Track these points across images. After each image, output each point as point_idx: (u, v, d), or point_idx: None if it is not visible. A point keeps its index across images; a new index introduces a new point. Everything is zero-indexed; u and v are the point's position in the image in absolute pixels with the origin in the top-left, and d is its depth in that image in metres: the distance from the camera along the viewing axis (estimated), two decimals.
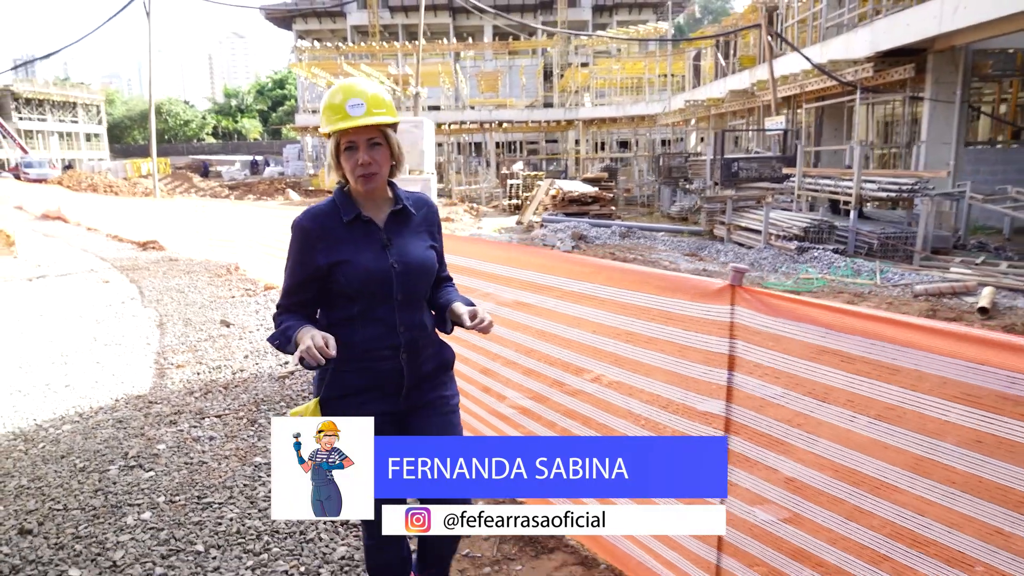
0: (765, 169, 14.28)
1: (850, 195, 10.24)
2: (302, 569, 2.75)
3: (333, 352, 1.74)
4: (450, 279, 2.20)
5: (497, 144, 43.43)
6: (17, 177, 33.89)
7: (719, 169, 13.93)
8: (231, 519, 3.15)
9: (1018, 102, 17.89)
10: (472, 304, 2.02)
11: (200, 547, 2.93)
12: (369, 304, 1.92)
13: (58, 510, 3.27)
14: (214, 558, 2.85)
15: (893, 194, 10.08)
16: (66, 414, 4.62)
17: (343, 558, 2.84)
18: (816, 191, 11.87)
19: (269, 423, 4.39)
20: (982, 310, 6.45)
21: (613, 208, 16.24)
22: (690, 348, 2.26)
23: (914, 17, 13.68)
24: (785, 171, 13.53)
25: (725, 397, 2.15)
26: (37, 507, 3.30)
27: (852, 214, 10.26)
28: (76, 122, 66.34)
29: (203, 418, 4.49)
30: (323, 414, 1.85)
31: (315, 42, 51.56)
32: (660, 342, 2.37)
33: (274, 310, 1.99)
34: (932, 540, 1.66)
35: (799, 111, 19.05)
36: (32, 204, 22.17)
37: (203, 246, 12.22)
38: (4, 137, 51.26)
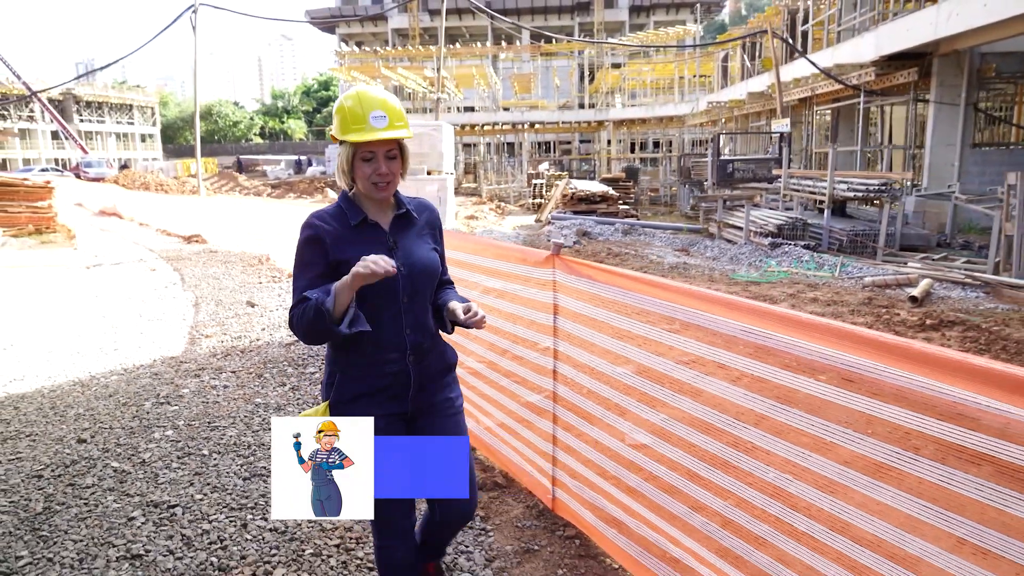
0: (761, 170, 14.92)
1: (825, 195, 10.90)
2: None
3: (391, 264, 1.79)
4: (451, 282, 2.26)
5: (538, 144, 44.45)
6: (78, 176, 36.09)
7: (715, 170, 14.64)
8: (230, 436, 4.19)
9: None
10: (467, 301, 2.07)
11: (206, 452, 3.96)
12: (376, 306, 1.93)
13: (105, 428, 4.34)
14: (215, 459, 3.88)
15: (860, 194, 10.71)
16: (114, 369, 5.73)
17: None
18: (799, 191, 12.54)
19: (273, 378, 5.43)
20: (912, 299, 7.14)
21: (625, 206, 17.01)
22: (536, 301, 3.17)
23: (914, 23, 14.19)
24: (775, 172, 14.18)
25: (552, 334, 3.06)
26: (89, 426, 4.38)
27: (826, 212, 10.92)
28: (132, 123, 69.55)
29: (221, 372, 5.55)
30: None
31: (356, 46, 53.12)
32: (521, 298, 3.29)
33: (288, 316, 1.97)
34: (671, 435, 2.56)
35: (810, 112, 19.50)
36: (90, 201, 23.94)
37: (240, 239, 13.45)
38: (66, 138, 54.17)
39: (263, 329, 7.01)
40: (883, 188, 10.37)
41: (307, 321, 1.82)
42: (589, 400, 2.94)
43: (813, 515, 1.97)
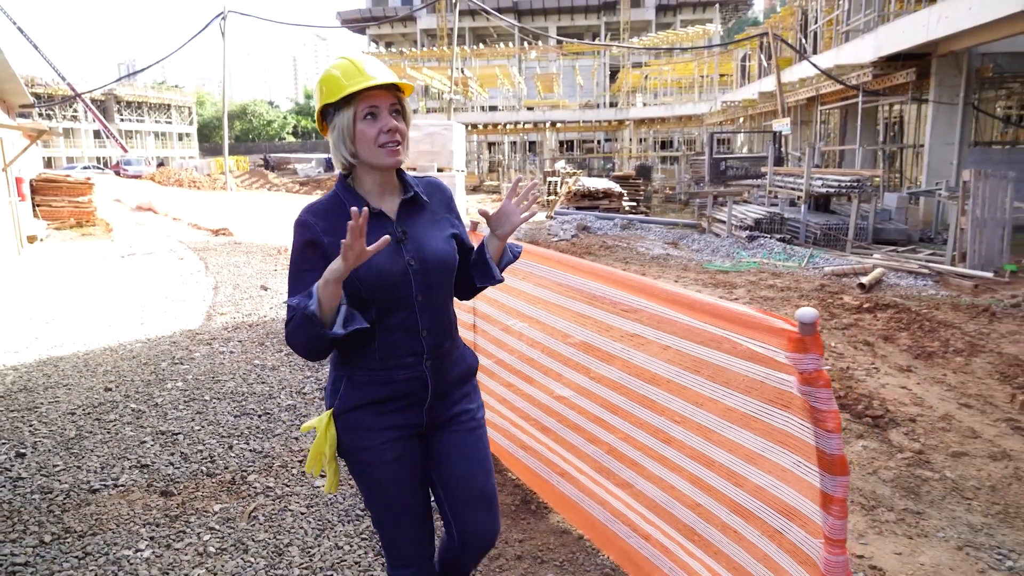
0: (754, 168, 15.46)
1: (802, 191, 11.46)
2: (261, 408, 4.58)
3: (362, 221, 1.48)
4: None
5: (559, 143, 45.12)
6: (117, 174, 37.70)
7: (710, 168, 15.22)
8: (229, 387, 5.03)
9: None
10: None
11: (207, 398, 4.80)
12: (386, 308, 1.70)
13: (127, 381, 5.21)
14: (214, 403, 4.71)
15: (834, 190, 11.23)
16: (139, 338, 6.63)
17: (289, 406, 4.65)
18: (782, 187, 13.09)
19: (273, 345, 6.27)
20: (860, 285, 7.73)
21: (632, 203, 17.64)
22: None
23: (908, 25, 14.60)
24: (763, 169, 14.74)
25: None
26: (115, 379, 5.25)
27: (802, 207, 11.48)
28: (170, 123, 71.89)
29: (229, 342, 6.41)
30: (337, 428, 1.76)
31: (385, 47, 54.24)
32: None
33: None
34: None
35: (817, 112, 19.88)
36: (128, 197, 25.29)
37: (263, 232, 14.43)
38: (107, 137, 56.22)
39: (271, 308, 7.87)
40: (855, 185, 10.90)
41: (297, 333, 1.61)
42: (496, 346, 3.70)
43: (679, 447, 2.62)
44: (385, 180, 1.77)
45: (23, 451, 3.97)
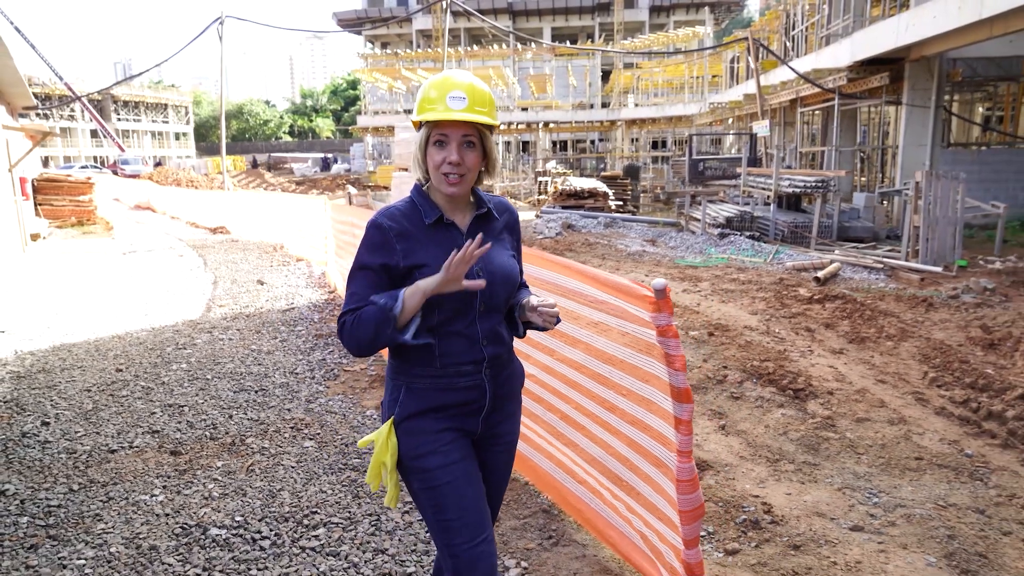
0: (731, 168, 16.05)
1: (771, 190, 12.06)
2: (257, 386, 5.14)
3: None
4: (525, 284, 2.06)
5: (553, 143, 45.70)
6: (115, 173, 38.18)
7: (689, 168, 15.80)
8: (228, 368, 5.58)
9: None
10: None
11: (209, 377, 5.36)
12: (450, 315, 1.75)
13: (136, 363, 5.76)
14: (215, 381, 5.26)
15: (799, 190, 11.82)
16: (144, 327, 7.17)
17: (282, 384, 5.20)
18: (754, 187, 13.67)
19: (268, 333, 6.81)
20: (816, 279, 8.31)
21: (619, 202, 18.21)
22: None
23: (880, 31, 15.21)
24: (738, 170, 15.34)
25: None
26: (125, 362, 5.80)
27: (772, 206, 12.08)
28: (167, 122, 72.27)
29: (228, 330, 6.96)
30: (397, 435, 1.81)
31: (381, 47, 54.71)
32: None
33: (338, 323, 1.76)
34: None
35: (798, 114, 20.46)
36: (127, 196, 25.80)
37: (260, 230, 14.94)
38: (105, 137, 56.58)
39: (267, 300, 8.42)
40: (819, 185, 11.49)
41: (364, 326, 1.68)
42: None
43: (620, 414, 3.17)
44: (457, 196, 1.81)
45: (47, 420, 4.52)
